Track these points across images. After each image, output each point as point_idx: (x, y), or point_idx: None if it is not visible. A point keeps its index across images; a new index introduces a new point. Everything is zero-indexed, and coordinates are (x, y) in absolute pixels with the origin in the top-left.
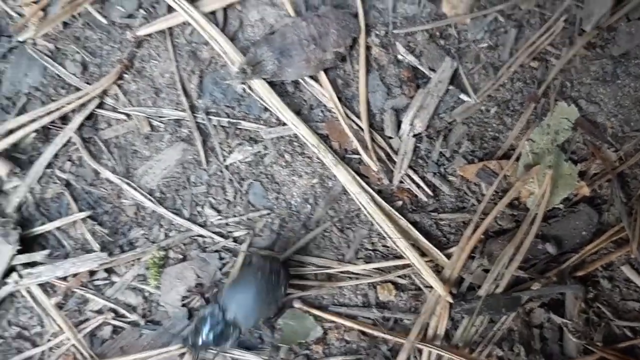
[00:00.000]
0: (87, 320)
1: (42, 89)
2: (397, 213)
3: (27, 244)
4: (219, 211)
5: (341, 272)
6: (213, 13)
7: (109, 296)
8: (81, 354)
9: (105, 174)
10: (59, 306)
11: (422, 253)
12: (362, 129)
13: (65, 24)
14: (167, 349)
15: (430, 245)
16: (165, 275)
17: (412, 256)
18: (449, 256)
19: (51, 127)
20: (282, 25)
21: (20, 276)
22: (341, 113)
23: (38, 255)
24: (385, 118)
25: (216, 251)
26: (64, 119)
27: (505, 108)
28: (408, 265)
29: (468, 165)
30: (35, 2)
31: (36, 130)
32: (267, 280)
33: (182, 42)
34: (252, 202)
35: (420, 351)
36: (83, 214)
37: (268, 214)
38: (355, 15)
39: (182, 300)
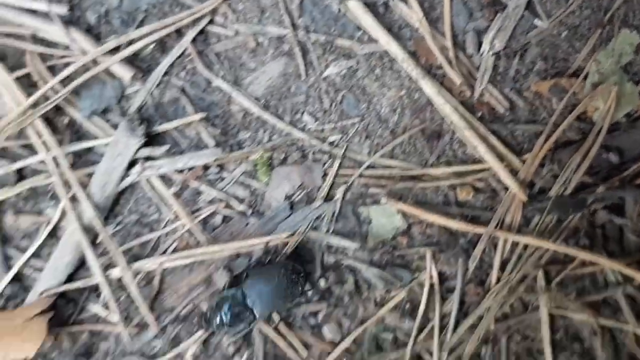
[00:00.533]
0: (200, 209)
1: (159, 6)
2: (477, 122)
3: (148, 142)
4: (316, 118)
5: (424, 174)
6: None
7: (220, 189)
8: (195, 238)
9: (217, 82)
10: (176, 196)
11: (500, 158)
12: (446, 47)
13: None
14: (270, 237)
15: (507, 151)
16: (274, 174)
17: (491, 159)
18: (522, 162)
19: (167, 40)
20: None
21: (143, 168)
22: (428, 32)
23: (159, 150)
24: (467, 38)
25: (314, 153)
26: (179, 33)
27: (574, 32)
28: (486, 169)
29: (541, 82)
30: None
31: (154, 42)
32: (288, 279)
33: None
34: (345, 111)
35: (495, 244)
36: (198, 116)
37: (359, 121)
38: None
39: (286, 197)
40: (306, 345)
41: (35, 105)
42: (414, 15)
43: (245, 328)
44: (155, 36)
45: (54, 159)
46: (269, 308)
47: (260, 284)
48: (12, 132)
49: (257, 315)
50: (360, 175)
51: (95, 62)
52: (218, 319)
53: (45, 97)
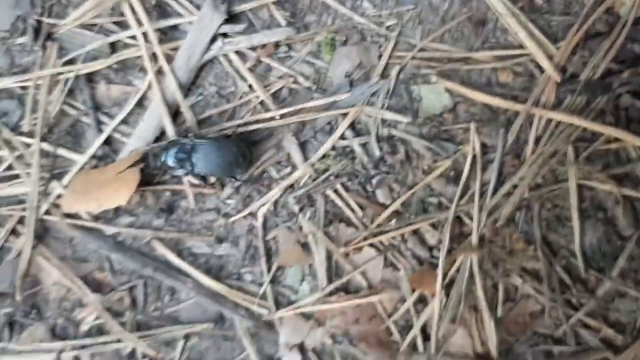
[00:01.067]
0: (270, 83)
1: None
2: (519, 11)
3: (227, 21)
4: (374, 5)
5: (469, 57)
6: None
7: (288, 66)
8: (266, 108)
9: None
10: (250, 71)
11: (538, 44)
12: None
13: None
14: (330, 112)
15: (544, 38)
16: (337, 54)
17: (530, 45)
18: (557, 49)
19: None
20: None
21: (223, 44)
22: None
23: (237, 27)
24: None
25: (371, 36)
26: None
27: None
28: (525, 54)
29: None
30: None
31: None
32: (234, 156)
33: None
34: None
35: (531, 121)
36: None
37: (413, 8)
38: None
39: (346, 75)
40: (361, 206)
41: None
42: None
43: (180, 174)
44: None
45: (144, 34)
46: (207, 170)
47: (210, 148)
48: (108, 5)
49: (195, 170)
50: (413, 57)
51: None
52: (163, 157)
53: None
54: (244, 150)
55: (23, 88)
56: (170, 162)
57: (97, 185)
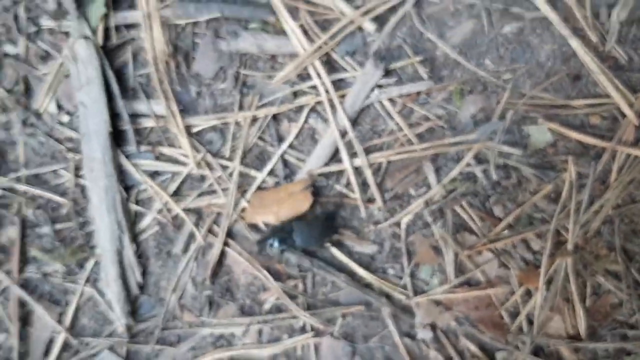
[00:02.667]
0: (413, 123)
1: None
2: (606, 69)
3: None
4: (494, 63)
5: (567, 104)
6: None
7: (427, 109)
8: (409, 141)
9: (428, 35)
10: (398, 113)
11: (621, 94)
12: (587, 16)
13: None
14: (459, 146)
15: (626, 90)
16: (464, 101)
17: (615, 95)
18: (636, 99)
19: (396, 6)
20: None
21: (380, 92)
22: (574, 5)
23: (389, 80)
24: (600, 10)
25: (491, 87)
26: (402, 3)
27: None
28: (610, 103)
29: None
30: None
31: (389, 7)
32: (323, 226)
33: None
34: (514, 58)
35: (614, 155)
36: (416, 58)
37: (524, 66)
38: None
39: (471, 116)
40: (481, 219)
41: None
42: None
43: (286, 248)
44: (389, 4)
45: (323, 83)
46: (307, 243)
47: (304, 226)
48: (299, 66)
49: (297, 244)
50: (523, 104)
51: (351, 20)
52: (270, 242)
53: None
54: (329, 219)
55: (224, 124)
56: (276, 245)
57: (275, 201)
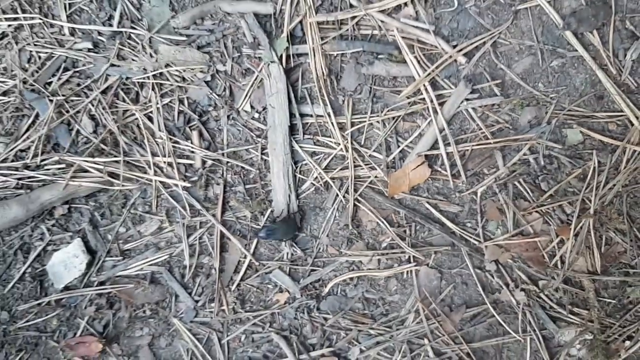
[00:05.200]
0: (489, 125)
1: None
2: (622, 92)
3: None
4: (544, 85)
5: (594, 115)
6: None
7: (498, 115)
8: (485, 137)
9: None
10: (478, 117)
11: (631, 110)
12: (609, 55)
13: None
14: (519, 142)
15: (634, 107)
16: (524, 110)
17: (626, 110)
18: None
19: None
20: None
21: (467, 104)
22: (600, 46)
23: (474, 95)
24: (619, 52)
25: (542, 101)
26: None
27: None
28: (624, 115)
29: None
30: None
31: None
32: (289, 227)
33: None
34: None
35: (625, 150)
36: (493, 82)
37: (565, 88)
38: None
39: (528, 121)
40: (532, 191)
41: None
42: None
43: (271, 238)
44: (475, 44)
45: (430, 97)
46: (284, 236)
47: (282, 225)
48: (415, 86)
49: (277, 236)
50: (563, 114)
51: (449, 55)
52: (260, 233)
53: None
54: (294, 222)
55: (360, 122)
56: (263, 235)
57: (403, 177)
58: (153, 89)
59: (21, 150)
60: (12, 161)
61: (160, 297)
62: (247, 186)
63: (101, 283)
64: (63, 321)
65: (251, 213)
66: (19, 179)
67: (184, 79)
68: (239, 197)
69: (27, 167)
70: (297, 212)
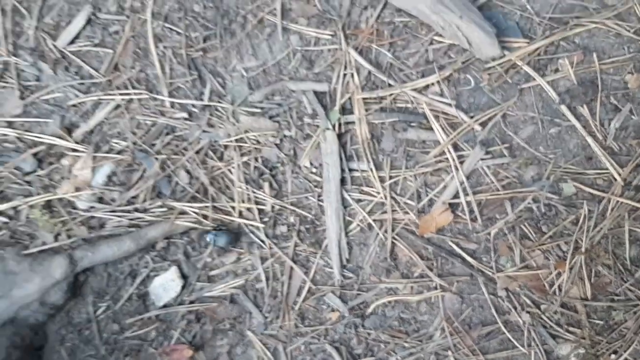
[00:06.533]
0: (500, 179)
1: None
2: (607, 154)
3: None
4: (544, 149)
5: (583, 173)
6: None
7: (507, 172)
8: (497, 189)
9: None
10: (491, 173)
11: (614, 169)
12: (597, 125)
13: None
14: (524, 193)
15: (617, 166)
16: (528, 168)
17: (612, 169)
18: (623, 171)
19: None
20: None
21: (482, 162)
22: (590, 118)
23: (488, 156)
24: (605, 122)
25: (543, 163)
26: None
27: None
28: (609, 173)
29: (632, 140)
30: None
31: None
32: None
33: None
34: None
35: (609, 200)
36: (503, 146)
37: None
38: None
39: (531, 177)
40: (535, 232)
41: None
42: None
43: (213, 243)
44: (488, 116)
45: (452, 156)
46: (225, 244)
47: (223, 234)
48: (440, 148)
49: (218, 243)
50: (559, 171)
51: (468, 124)
52: (206, 237)
53: (450, 137)
54: (235, 236)
55: (396, 176)
56: (208, 240)
57: (432, 220)
58: (235, 149)
59: (132, 197)
60: (126, 205)
61: (237, 313)
62: (307, 226)
63: (191, 302)
64: (160, 332)
65: (313, 248)
66: (131, 219)
67: (258, 142)
68: (300, 235)
69: (136, 210)
70: (240, 229)
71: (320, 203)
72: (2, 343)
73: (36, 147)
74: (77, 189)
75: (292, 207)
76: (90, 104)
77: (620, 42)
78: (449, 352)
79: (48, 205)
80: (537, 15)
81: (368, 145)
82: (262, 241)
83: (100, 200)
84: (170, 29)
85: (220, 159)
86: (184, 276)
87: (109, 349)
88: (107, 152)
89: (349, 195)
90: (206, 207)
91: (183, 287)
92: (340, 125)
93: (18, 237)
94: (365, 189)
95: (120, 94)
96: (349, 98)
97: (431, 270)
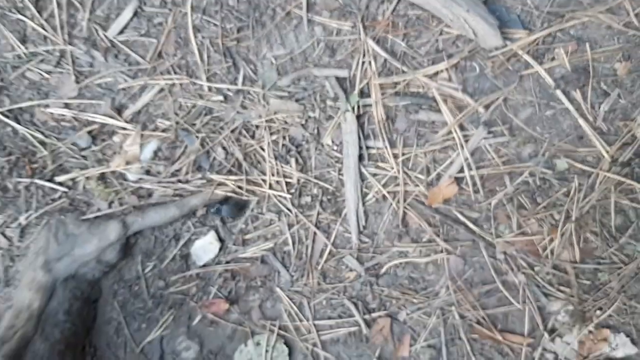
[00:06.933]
0: (500, 156)
1: None
2: (596, 134)
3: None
4: (541, 129)
5: (574, 151)
6: None
7: (506, 149)
8: (497, 164)
9: None
10: (493, 151)
11: (602, 147)
12: (596, 115)
13: None
14: (522, 167)
15: (605, 144)
16: (525, 146)
17: (600, 147)
18: (610, 148)
19: None
20: None
21: (484, 141)
22: (586, 113)
23: (490, 135)
24: (599, 114)
25: (539, 141)
26: None
27: None
28: (597, 150)
29: (627, 121)
30: None
31: None
32: (234, 209)
33: None
34: None
35: (598, 175)
36: (503, 127)
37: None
38: None
39: (527, 154)
40: (530, 202)
41: None
42: (578, 97)
43: (220, 215)
44: (490, 100)
45: (458, 135)
46: (229, 215)
47: (230, 206)
48: (448, 128)
49: (224, 214)
50: (554, 149)
51: (473, 107)
52: (212, 209)
53: (457, 119)
54: (236, 205)
55: (408, 152)
56: (213, 211)
57: (439, 192)
58: (265, 129)
59: (176, 170)
60: (170, 177)
61: (267, 272)
62: (328, 197)
63: (227, 262)
64: (200, 288)
65: (333, 215)
66: (175, 189)
67: (286, 122)
68: (323, 205)
69: (179, 181)
70: (248, 201)
71: (340, 177)
72: (65, 295)
73: (90, 125)
74: (127, 163)
75: (315, 180)
76: (138, 87)
77: (610, 34)
78: (453, 308)
79: (102, 177)
80: (537, 9)
81: (383, 126)
82: (289, 210)
83: (148, 172)
84: (208, 21)
85: (253, 137)
86: (220, 240)
87: (155, 303)
88: (153, 131)
89: (366, 169)
90: (240, 179)
91: (220, 249)
92: (358, 107)
93: (76, 205)
94: (381, 164)
95: (164, 79)
96: (367, 83)
97: (438, 235)
